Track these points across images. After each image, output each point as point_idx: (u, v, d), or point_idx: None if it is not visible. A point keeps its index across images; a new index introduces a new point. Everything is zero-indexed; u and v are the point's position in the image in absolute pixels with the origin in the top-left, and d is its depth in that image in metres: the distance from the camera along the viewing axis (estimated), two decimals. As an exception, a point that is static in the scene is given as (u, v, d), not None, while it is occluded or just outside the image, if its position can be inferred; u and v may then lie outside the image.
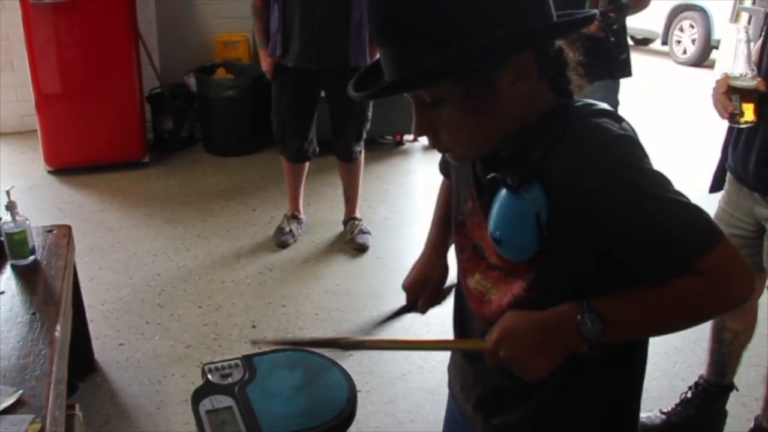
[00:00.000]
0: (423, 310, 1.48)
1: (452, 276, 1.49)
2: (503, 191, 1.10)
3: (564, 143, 1.06)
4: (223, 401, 1.28)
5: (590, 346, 1.05)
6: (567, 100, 1.13)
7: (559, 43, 1.11)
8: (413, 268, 1.50)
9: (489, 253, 1.21)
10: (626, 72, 3.31)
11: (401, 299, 1.52)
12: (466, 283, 1.28)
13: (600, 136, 1.06)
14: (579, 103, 1.12)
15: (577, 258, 1.09)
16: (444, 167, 1.48)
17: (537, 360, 1.08)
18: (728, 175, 2.29)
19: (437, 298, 1.48)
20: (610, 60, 2.94)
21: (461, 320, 1.37)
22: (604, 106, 1.12)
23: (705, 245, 1.00)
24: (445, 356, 1.49)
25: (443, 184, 1.52)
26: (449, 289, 1.49)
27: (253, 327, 3.24)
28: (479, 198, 1.21)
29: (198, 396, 1.30)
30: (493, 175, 1.11)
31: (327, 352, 1.50)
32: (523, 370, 1.08)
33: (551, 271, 1.11)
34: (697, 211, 1.02)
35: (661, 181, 1.03)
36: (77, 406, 2.33)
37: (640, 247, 1.03)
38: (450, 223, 1.42)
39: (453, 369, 1.46)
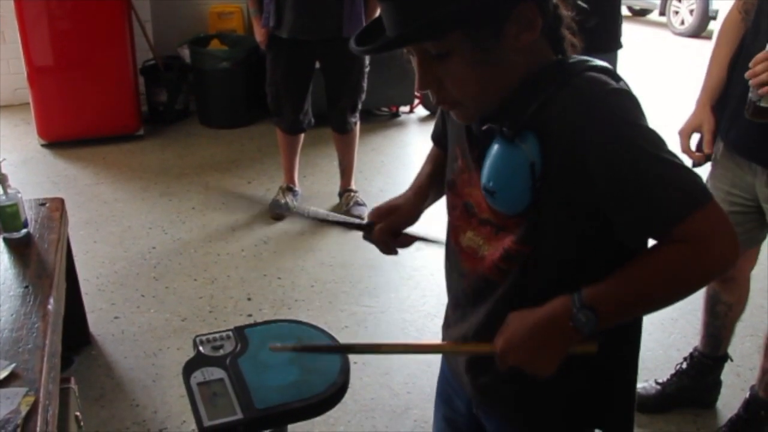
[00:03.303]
0: (375, 238, 1.42)
1: (420, 229, 1.45)
2: (498, 142, 1.10)
3: (561, 95, 1.06)
4: (215, 373, 1.28)
5: (589, 337, 1.07)
6: (563, 57, 1.13)
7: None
8: (389, 199, 1.47)
9: (479, 209, 1.21)
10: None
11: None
12: (458, 242, 1.28)
13: (598, 89, 1.06)
14: (576, 59, 1.12)
15: (567, 213, 1.09)
16: (436, 137, 1.47)
17: (543, 360, 1.10)
18: (721, 150, 2.21)
19: (394, 239, 1.43)
20: (606, 30, 2.76)
21: (455, 283, 1.36)
22: (603, 63, 1.12)
23: (692, 206, 1.01)
24: (440, 328, 1.49)
25: (432, 149, 1.51)
26: (415, 238, 1.44)
27: (249, 299, 3.23)
28: (471, 151, 1.21)
29: (189, 368, 1.29)
30: (488, 125, 1.11)
31: (322, 325, 1.49)
32: (533, 371, 1.11)
33: (541, 225, 1.11)
34: (689, 173, 1.03)
35: (655, 140, 1.04)
36: (72, 379, 2.31)
37: (629, 202, 1.03)
38: (434, 180, 1.44)
39: (445, 330, 1.46)
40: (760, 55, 1.82)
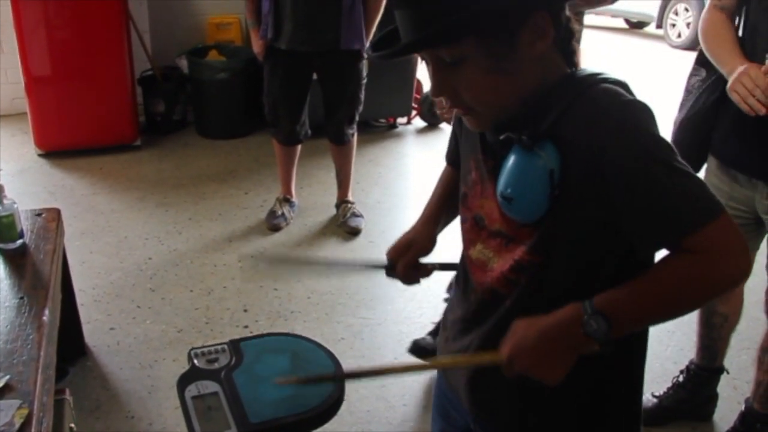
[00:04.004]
0: (400, 276, 1.46)
1: (439, 256, 1.48)
2: (516, 150, 1.11)
3: (578, 106, 1.08)
4: (209, 387, 1.27)
5: (600, 345, 1.07)
6: (575, 69, 1.15)
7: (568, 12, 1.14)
8: (401, 235, 1.50)
9: (489, 221, 1.22)
10: None
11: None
12: (468, 255, 1.29)
13: (614, 99, 1.08)
14: (588, 72, 1.14)
15: (581, 223, 1.10)
16: (449, 156, 1.49)
17: (551, 366, 1.09)
18: (715, 165, 2.22)
19: (417, 271, 1.46)
20: None
21: (463, 295, 1.36)
22: (617, 76, 1.14)
23: (705, 217, 1.02)
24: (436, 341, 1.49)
25: (444, 171, 1.53)
26: (434, 266, 1.47)
27: (245, 311, 3.23)
28: (485, 162, 1.22)
29: (184, 381, 1.29)
30: (507, 134, 1.12)
31: (318, 336, 1.49)
32: (540, 378, 1.10)
33: (554, 235, 1.12)
34: (701, 184, 1.04)
35: (669, 150, 1.05)
36: (67, 391, 2.31)
37: (644, 210, 1.04)
38: (443, 205, 1.47)
39: (445, 344, 1.45)
40: None
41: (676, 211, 1.02)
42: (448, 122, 2.66)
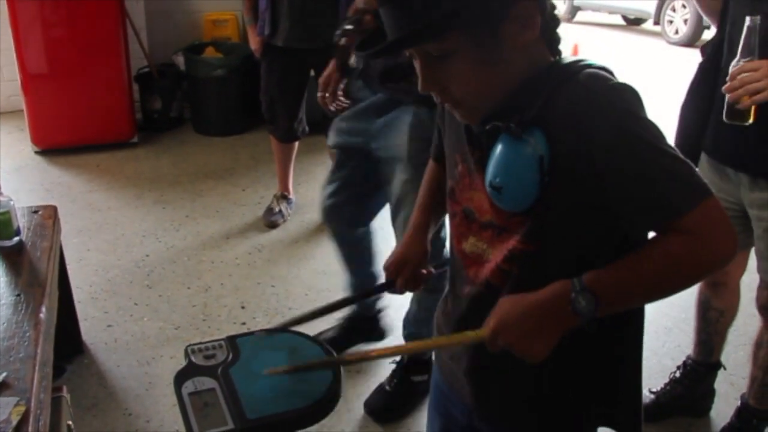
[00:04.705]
0: (401, 291, 1.47)
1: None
2: (504, 139, 1.11)
3: (565, 91, 1.08)
4: (206, 383, 1.27)
5: (586, 322, 1.06)
6: (559, 57, 1.15)
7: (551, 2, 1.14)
8: (394, 249, 1.50)
9: (479, 213, 1.22)
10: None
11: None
12: (460, 249, 1.28)
13: (600, 83, 1.08)
14: (573, 59, 1.14)
15: (572, 209, 1.10)
16: (435, 152, 1.48)
17: (536, 342, 1.08)
18: (705, 161, 2.23)
19: (416, 281, 1.47)
20: None
21: (454, 292, 1.36)
22: (600, 62, 1.14)
23: (694, 199, 1.02)
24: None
25: (430, 170, 1.52)
26: (431, 272, 1.48)
27: (243, 308, 3.23)
28: (472, 154, 1.22)
29: (180, 378, 1.28)
30: (494, 123, 1.11)
31: (315, 334, 1.49)
32: (524, 353, 1.09)
33: (546, 223, 1.12)
34: (689, 167, 1.04)
35: (657, 133, 1.05)
36: (65, 388, 2.31)
37: (634, 193, 1.04)
38: (431, 211, 1.47)
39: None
40: (734, 71, 1.88)
41: (666, 194, 1.03)
42: (329, 112, 2.67)
